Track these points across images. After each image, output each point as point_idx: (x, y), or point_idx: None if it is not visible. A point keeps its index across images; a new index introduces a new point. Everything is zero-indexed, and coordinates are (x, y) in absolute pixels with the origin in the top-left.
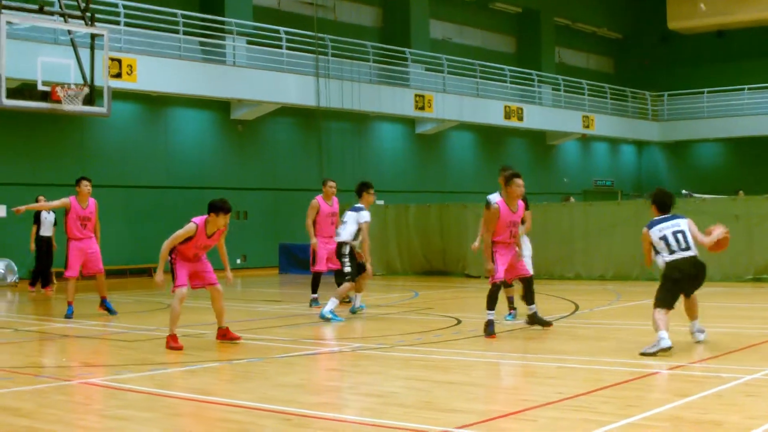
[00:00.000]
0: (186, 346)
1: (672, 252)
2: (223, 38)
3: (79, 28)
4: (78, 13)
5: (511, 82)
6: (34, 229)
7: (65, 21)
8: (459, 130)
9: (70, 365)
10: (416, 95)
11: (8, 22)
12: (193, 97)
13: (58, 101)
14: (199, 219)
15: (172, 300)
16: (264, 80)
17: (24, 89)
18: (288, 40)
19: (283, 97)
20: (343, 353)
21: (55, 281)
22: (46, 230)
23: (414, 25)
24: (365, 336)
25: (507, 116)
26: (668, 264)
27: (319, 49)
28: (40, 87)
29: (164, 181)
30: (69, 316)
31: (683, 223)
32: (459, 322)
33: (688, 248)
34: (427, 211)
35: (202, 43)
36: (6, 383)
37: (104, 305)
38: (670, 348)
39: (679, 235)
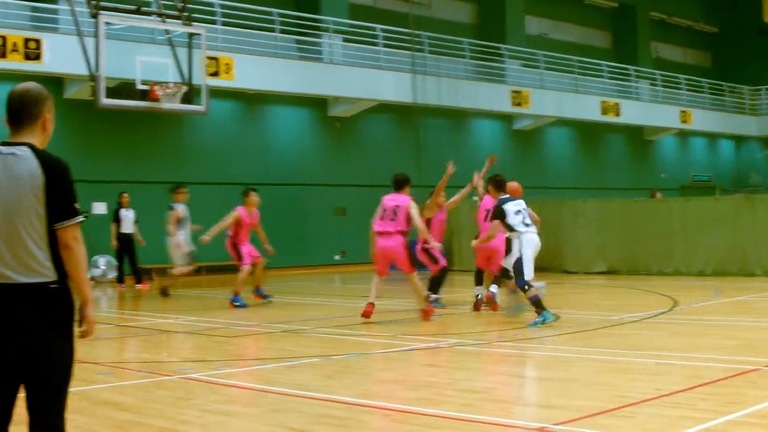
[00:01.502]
0: (285, 342)
1: None
2: (319, 36)
3: (177, 28)
4: (175, 12)
5: (608, 78)
6: (113, 226)
7: (162, 21)
8: (556, 125)
9: (170, 360)
10: (513, 91)
11: (106, 23)
12: (290, 94)
13: (157, 100)
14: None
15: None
16: (361, 78)
17: (123, 88)
18: (384, 38)
19: (379, 95)
20: (441, 349)
21: (155, 278)
22: (127, 227)
23: (510, 21)
24: (463, 332)
25: (604, 112)
26: None
27: (416, 46)
28: (139, 86)
29: (262, 178)
30: (242, 305)
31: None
32: (557, 318)
33: None
34: None
35: (298, 41)
36: (108, 378)
37: (259, 293)
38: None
39: None
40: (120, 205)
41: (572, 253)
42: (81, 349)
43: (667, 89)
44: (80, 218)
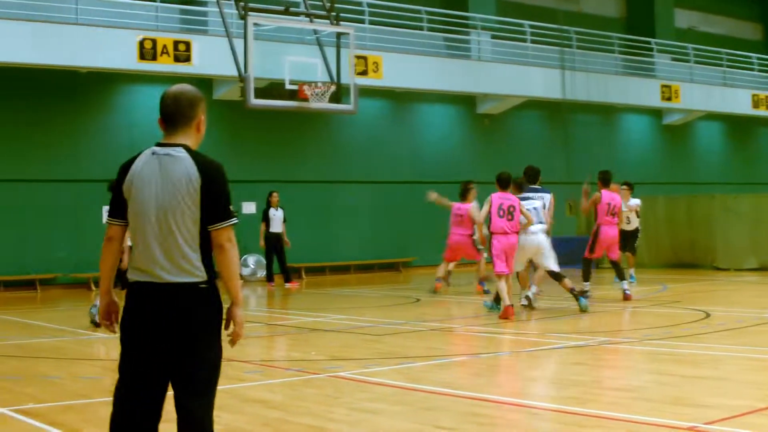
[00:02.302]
0: (433, 340)
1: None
2: (467, 33)
3: (325, 27)
4: (323, 12)
5: (759, 70)
6: (262, 226)
7: (311, 21)
8: (706, 120)
9: (318, 358)
10: (662, 86)
11: (255, 24)
12: (439, 92)
13: (306, 99)
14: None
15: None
16: (509, 74)
17: (272, 89)
18: (532, 34)
19: (528, 91)
20: (590, 347)
21: (304, 276)
22: (276, 227)
23: (658, 14)
24: (612, 330)
25: (755, 105)
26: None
27: (564, 42)
28: (288, 86)
29: (411, 176)
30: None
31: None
32: (708, 315)
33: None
34: (675, 203)
35: (446, 39)
36: (257, 376)
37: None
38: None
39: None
40: (269, 205)
41: (723, 249)
42: (229, 346)
43: None
44: (234, 220)
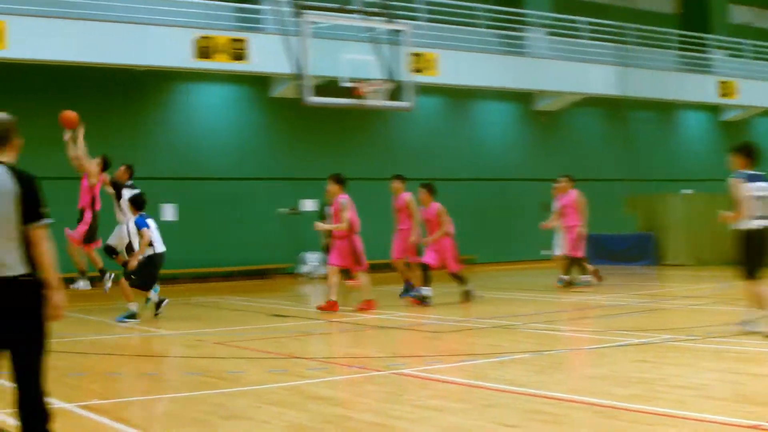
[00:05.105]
0: (495, 337)
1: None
2: (523, 30)
3: (381, 25)
4: (379, 10)
5: None
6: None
7: (366, 18)
8: (765, 116)
9: (381, 356)
10: (720, 82)
11: (312, 22)
12: (495, 89)
13: (362, 97)
14: None
15: None
16: (566, 71)
17: (328, 86)
18: (588, 30)
19: (585, 88)
20: (653, 345)
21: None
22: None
23: (713, 10)
24: (675, 327)
25: None
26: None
27: (620, 38)
28: (344, 84)
29: (468, 173)
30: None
31: None
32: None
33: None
34: None
35: (502, 36)
36: (320, 373)
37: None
38: None
39: None
40: (327, 202)
41: None
42: (291, 344)
43: None
44: (48, 221)
